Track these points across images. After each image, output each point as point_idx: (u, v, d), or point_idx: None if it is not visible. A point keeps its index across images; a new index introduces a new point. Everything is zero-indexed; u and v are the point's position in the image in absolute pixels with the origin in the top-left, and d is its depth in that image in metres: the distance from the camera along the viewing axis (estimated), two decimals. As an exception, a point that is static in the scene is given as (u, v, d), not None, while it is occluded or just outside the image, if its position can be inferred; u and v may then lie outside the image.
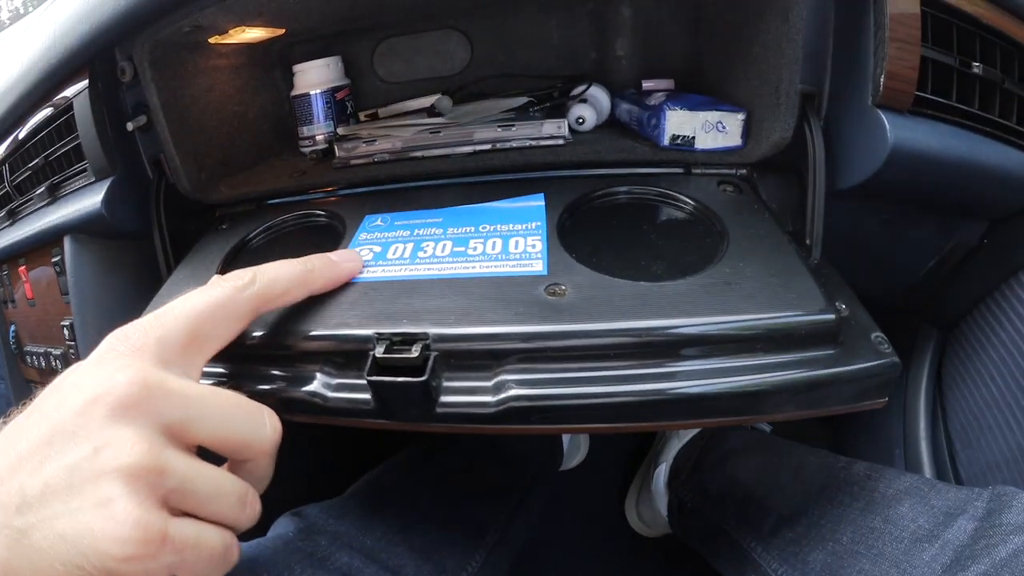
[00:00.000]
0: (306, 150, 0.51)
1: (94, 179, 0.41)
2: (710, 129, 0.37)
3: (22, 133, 0.46)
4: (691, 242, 0.32)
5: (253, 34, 0.45)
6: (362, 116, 0.54)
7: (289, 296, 0.27)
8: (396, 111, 0.53)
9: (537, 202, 0.35)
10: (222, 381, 0.28)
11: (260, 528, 0.27)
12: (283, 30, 0.47)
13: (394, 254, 0.32)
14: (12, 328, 0.54)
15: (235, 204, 0.43)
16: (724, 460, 0.51)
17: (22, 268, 0.50)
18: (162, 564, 0.19)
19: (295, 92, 0.51)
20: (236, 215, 0.42)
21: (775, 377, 0.25)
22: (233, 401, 0.22)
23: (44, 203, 0.45)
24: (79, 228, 0.42)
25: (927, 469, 0.46)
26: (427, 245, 0.32)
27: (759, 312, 0.26)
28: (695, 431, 0.59)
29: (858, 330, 0.28)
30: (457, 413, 0.26)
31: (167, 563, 0.19)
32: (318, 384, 0.27)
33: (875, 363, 0.26)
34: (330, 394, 0.27)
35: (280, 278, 0.27)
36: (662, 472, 0.61)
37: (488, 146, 0.41)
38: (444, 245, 0.32)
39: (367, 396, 0.26)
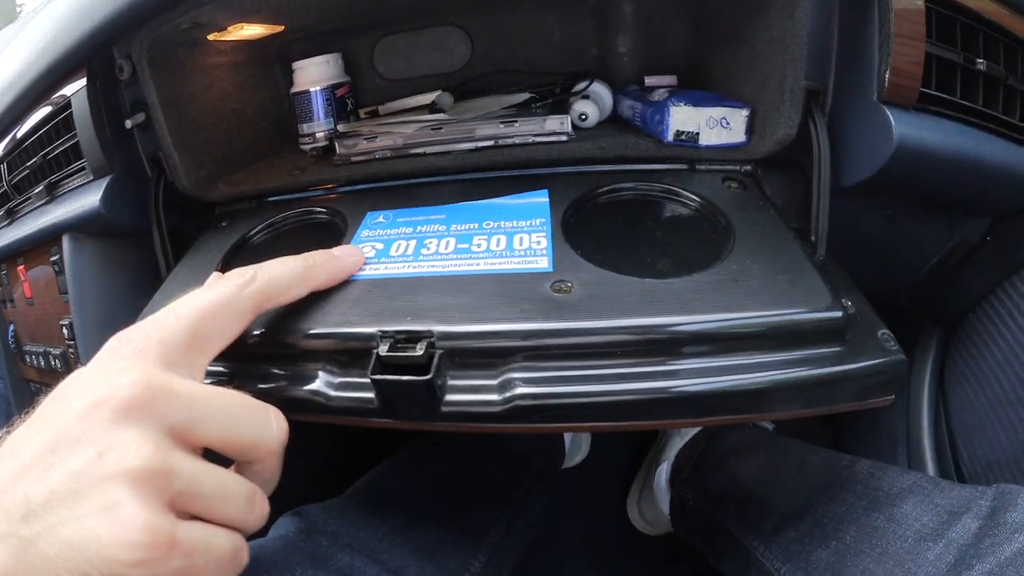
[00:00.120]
0: (306, 147, 0.51)
1: (92, 177, 0.40)
2: (714, 125, 0.37)
3: (20, 132, 0.45)
4: (696, 239, 0.32)
5: (252, 31, 0.44)
6: (362, 113, 0.54)
7: (291, 293, 0.27)
8: (396, 108, 0.53)
9: (541, 198, 0.35)
10: (223, 381, 0.28)
11: (261, 528, 0.27)
12: (282, 27, 0.47)
13: (397, 251, 0.32)
14: (11, 327, 0.54)
15: (234, 202, 0.43)
16: (726, 458, 0.51)
17: (20, 267, 0.50)
18: (171, 568, 0.19)
19: (295, 89, 0.50)
20: (235, 213, 0.42)
21: (782, 375, 0.25)
22: (239, 401, 0.22)
23: (42, 202, 0.45)
24: (78, 227, 0.42)
25: (930, 467, 0.46)
26: (430, 242, 0.32)
27: (767, 309, 0.26)
28: (697, 429, 0.59)
29: (864, 327, 0.28)
30: (462, 412, 0.25)
31: (176, 567, 0.19)
32: (320, 383, 0.27)
33: (881, 360, 0.26)
34: (333, 393, 0.27)
35: (282, 275, 0.27)
36: (664, 470, 0.61)
37: (490, 142, 0.41)
38: (447, 242, 0.32)
39: (370, 395, 0.26)
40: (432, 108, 0.48)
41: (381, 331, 0.26)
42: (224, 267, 0.36)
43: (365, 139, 0.43)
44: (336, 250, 0.30)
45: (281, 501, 0.24)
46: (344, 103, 0.51)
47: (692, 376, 0.25)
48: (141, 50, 0.37)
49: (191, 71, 0.42)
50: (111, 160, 0.39)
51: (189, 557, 0.19)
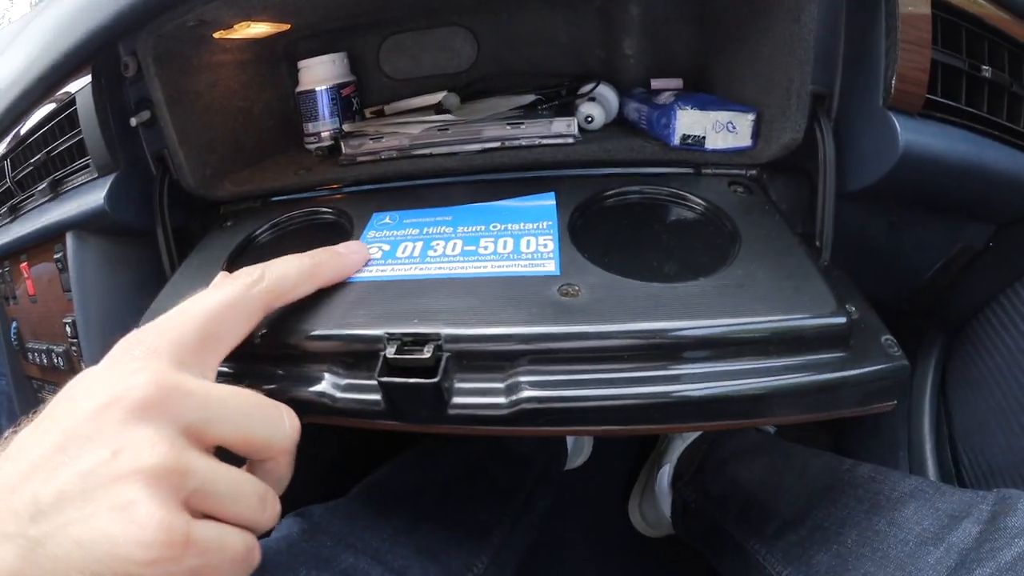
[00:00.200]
0: (311, 147, 0.50)
1: (97, 175, 0.40)
2: (720, 129, 0.37)
3: (24, 129, 0.45)
4: (702, 243, 0.32)
5: (258, 29, 0.44)
6: (368, 113, 0.54)
7: (299, 291, 0.27)
8: (402, 108, 0.53)
9: (548, 201, 0.35)
10: (231, 381, 0.28)
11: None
12: (288, 25, 0.46)
13: (403, 252, 0.32)
14: (14, 325, 0.54)
15: (239, 201, 0.43)
16: (727, 462, 0.51)
17: (24, 264, 0.49)
18: (185, 568, 0.19)
19: (300, 88, 0.50)
20: (240, 212, 0.42)
21: (786, 380, 0.25)
22: (253, 400, 0.22)
23: (46, 199, 0.45)
24: (81, 224, 0.42)
25: (931, 472, 0.46)
26: (437, 244, 0.32)
27: (772, 314, 0.26)
28: (699, 432, 0.59)
29: (868, 333, 0.28)
30: (469, 415, 0.25)
31: (190, 567, 0.19)
32: (327, 384, 0.27)
33: (885, 366, 0.26)
34: (339, 394, 0.27)
35: (289, 273, 0.27)
36: (666, 473, 0.61)
37: (497, 144, 0.41)
38: (454, 244, 0.32)
39: (377, 397, 0.26)
40: (438, 109, 0.48)
41: (388, 333, 0.26)
42: (230, 267, 0.35)
43: (371, 139, 0.43)
44: (341, 247, 0.30)
45: (285, 502, 0.24)
46: (350, 102, 0.51)
47: (697, 381, 0.25)
48: (147, 47, 0.37)
49: (197, 69, 0.42)
50: (116, 158, 0.39)
51: (203, 556, 0.19)
